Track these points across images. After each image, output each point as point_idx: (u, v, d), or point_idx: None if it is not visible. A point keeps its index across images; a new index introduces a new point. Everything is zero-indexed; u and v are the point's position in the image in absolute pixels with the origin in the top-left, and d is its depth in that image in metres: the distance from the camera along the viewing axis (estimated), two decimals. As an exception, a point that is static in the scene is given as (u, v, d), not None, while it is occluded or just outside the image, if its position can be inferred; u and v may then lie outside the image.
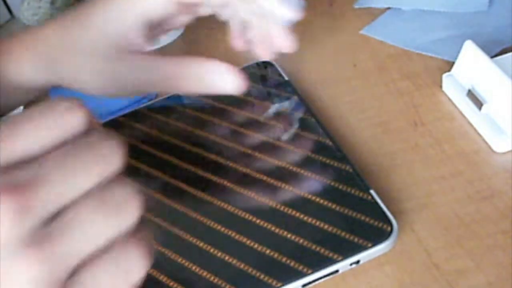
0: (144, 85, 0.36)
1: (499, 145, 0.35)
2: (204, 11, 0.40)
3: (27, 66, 0.39)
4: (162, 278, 0.31)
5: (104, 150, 0.21)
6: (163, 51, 0.53)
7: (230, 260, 0.31)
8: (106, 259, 0.20)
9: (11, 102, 0.42)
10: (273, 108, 0.40)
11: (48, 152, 0.19)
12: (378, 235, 0.30)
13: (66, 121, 0.20)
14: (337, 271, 0.30)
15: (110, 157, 0.21)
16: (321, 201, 0.32)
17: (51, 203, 0.18)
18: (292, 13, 0.36)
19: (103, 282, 0.19)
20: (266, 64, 0.44)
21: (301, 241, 0.31)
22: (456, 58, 0.39)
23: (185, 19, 0.41)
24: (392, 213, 0.31)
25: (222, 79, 0.34)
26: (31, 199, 0.17)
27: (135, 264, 0.20)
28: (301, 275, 0.29)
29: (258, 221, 0.32)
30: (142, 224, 0.21)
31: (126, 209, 0.21)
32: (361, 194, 0.32)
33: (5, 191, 0.17)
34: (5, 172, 0.18)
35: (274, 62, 0.44)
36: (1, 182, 0.17)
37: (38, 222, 0.18)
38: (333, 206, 0.32)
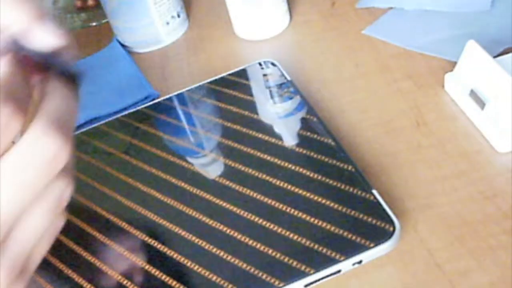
0: None
1: (501, 145, 0.35)
2: None
3: None
4: (165, 278, 0.31)
5: (46, 156, 0.22)
6: (167, 50, 0.53)
7: (233, 260, 0.31)
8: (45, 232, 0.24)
9: None
10: (275, 108, 0.40)
11: None
12: (380, 235, 0.30)
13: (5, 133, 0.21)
14: (339, 271, 0.30)
15: (53, 162, 0.22)
16: (324, 201, 0.32)
17: (3, 229, 0.21)
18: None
19: (42, 249, 0.24)
20: (268, 64, 0.44)
21: (303, 241, 0.31)
22: (458, 58, 0.39)
23: None
24: (395, 213, 0.31)
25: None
26: None
27: (60, 225, 0.24)
28: (304, 275, 0.29)
29: (260, 221, 0.32)
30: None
31: (62, 199, 0.23)
32: (363, 194, 0.32)
33: None
34: None
35: (276, 62, 0.44)
36: None
37: None
38: (336, 206, 0.32)
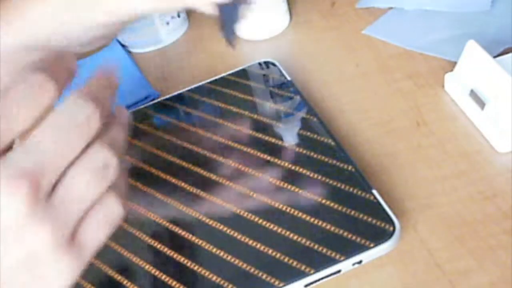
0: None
1: (501, 145, 0.35)
2: None
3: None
4: (165, 278, 0.31)
5: (80, 118, 0.25)
6: (167, 50, 0.53)
7: (233, 260, 0.31)
8: (96, 210, 0.25)
9: None
10: (276, 108, 0.40)
11: (34, 127, 0.24)
12: (380, 235, 0.30)
13: (40, 96, 0.24)
14: (339, 271, 0.30)
15: (87, 124, 0.25)
16: (324, 201, 0.32)
17: (49, 179, 0.23)
18: None
19: (95, 228, 0.25)
20: (268, 64, 0.44)
21: (303, 241, 0.31)
22: (458, 58, 0.39)
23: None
24: (395, 213, 0.31)
25: None
26: (36, 182, 0.23)
27: (116, 211, 0.26)
28: (304, 275, 0.29)
29: (260, 221, 0.32)
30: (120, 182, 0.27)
31: (107, 169, 0.25)
32: (363, 194, 0.32)
33: (16, 179, 0.22)
34: (9, 159, 0.23)
35: (276, 62, 0.44)
36: (10, 170, 0.22)
37: (43, 197, 0.23)
38: (336, 206, 0.32)
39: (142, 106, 0.45)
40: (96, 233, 0.26)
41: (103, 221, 0.26)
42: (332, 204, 0.32)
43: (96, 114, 0.25)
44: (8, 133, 0.24)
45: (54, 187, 0.24)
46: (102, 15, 0.36)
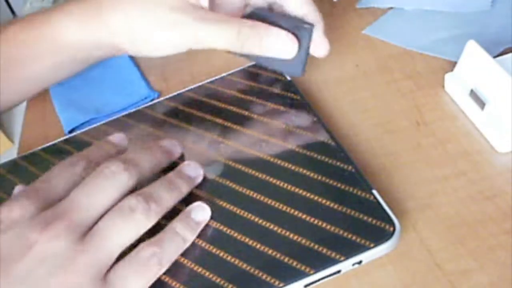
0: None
1: (501, 145, 0.35)
2: None
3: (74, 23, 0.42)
4: (164, 277, 0.31)
5: (114, 172, 0.31)
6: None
7: (232, 259, 0.31)
8: (129, 258, 0.30)
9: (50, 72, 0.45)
10: (276, 108, 0.40)
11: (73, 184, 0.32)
12: (380, 235, 0.30)
13: (76, 168, 0.33)
14: (339, 271, 0.30)
15: (117, 178, 0.31)
16: (323, 201, 0.32)
17: (83, 221, 0.30)
18: None
19: (128, 274, 0.29)
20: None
21: (303, 241, 0.31)
22: (458, 58, 0.39)
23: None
24: (395, 213, 0.31)
25: (278, 43, 0.39)
26: (70, 219, 0.29)
27: (148, 262, 0.30)
28: (303, 275, 0.29)
29: (260, 221, 0.32)
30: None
31: (136, 214, 0.30)
32: (363, 194, 0.32)
33: (57, 218, 0.29)
34: (52, 207, 0.30)
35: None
36: (53, 213, 0.29)
37: (79, 232, 0.29)
38: (335, 206, 0.32)
39: (142, 106, 0.45)
40: (125, 278, 0.29)
41: (135, 268, 0.30)
42: (332, 204, 0.32)
43: (126, 171, 0.32)
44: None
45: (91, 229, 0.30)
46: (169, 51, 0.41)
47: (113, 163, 0.32)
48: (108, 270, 0.29)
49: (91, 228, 0.30)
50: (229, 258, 0.31)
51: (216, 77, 0.45)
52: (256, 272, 0.30)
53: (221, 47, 0.39)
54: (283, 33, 0.38)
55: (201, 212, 0.33)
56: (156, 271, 0.30)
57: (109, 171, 0.31)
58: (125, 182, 0.31)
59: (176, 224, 0.32)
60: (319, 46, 0.41)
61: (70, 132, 0.47)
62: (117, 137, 0.37)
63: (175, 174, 0.34)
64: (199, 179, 0.35)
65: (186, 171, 0.35)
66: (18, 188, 0.35)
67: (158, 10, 0.39)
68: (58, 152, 0.43)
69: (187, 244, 0.32)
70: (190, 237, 0.32)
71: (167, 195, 0.32)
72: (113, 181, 0.31)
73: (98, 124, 0.44)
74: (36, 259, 0.28)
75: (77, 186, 0.31)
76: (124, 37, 0.40)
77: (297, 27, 0.39)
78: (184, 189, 0.34)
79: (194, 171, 0.35)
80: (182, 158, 0.38)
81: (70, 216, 0.29)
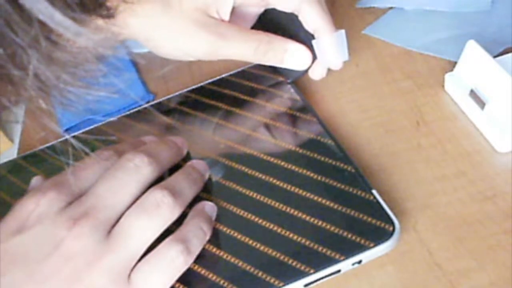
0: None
1: (501, 145, 0.35)
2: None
3: None
4: (164, 277, 0.31)
5: (138, 166, 0.31)
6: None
7: (232, 259, 0.31)
8: (154, 255, 0.29)
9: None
10: (275, 108, 0.40)
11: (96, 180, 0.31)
12: (380, 235, 0.30)
13: (106, 162, 0.32)
14: (339, 271, 0.30)
15: (140, 172, 0.31)
16: (323, 201, 0.32)
17: (107, 218, 0.29)
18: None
19: (153, 273, 0.29)
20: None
21: (303, 240, 0.31)
22: (458, 58, 0.39)
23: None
24: (394, 213, 0.31)
25: (294, 56, 0.39)
26: (95, 217, 0.29)
27: (176, 259, 0.29)
28: (303, 274, 0.29)
29: (260, 220, 0.32)
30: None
31: (162, 209, 0.30)
32: (363, 194, 0.32)
33: (83, 216, 0.29)
34: (78, 202, 0.30)
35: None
36: (79, 210, 0.29)
37: (103, 230, 0.29)
38: (335, 206, 0.32)
39: (142, 107, 0.45)
40: (150, 277, 0.29)
41: (160, 266, 0.29)
42: (331, 204, 0.32)
43: (146, 165, 0.31)
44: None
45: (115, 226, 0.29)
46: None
47: (137, 156, 0.31)
48: (132, 269, 0.29)
49: (114, 224, 0.29)
50: (229, 258, 0.31)
51: (216, 78, 0.45)
52: (256, 272, 0.30)
53: (238, 59, 0.40)
54: (301, 49, 0.39)
55: (211, 208, 0.33)
56: (182, 268, 0.30)
57: (133, 164, 0.31)
58: (148, 176, 0.31)
59: (197, 219, 0.32)
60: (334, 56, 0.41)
61: (66, 131, 0.46)
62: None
63: (190, 168, 0.34)
64: (207, 176, 0.35)
65: (198, 165, 0.35)
66: (36, 180, 0.35)
67: (181, 22, 0.39)
68: (58, 152, 0.43)
69: (207, 238, 0.32)
70: (209, 231, 0.32)
71: (188, 189, 0.32)
72: (137, 175, 0.31)
73: (98, 124, 0.44)
74: (62, 258, 0.27)
75: (101, 177, 0.31)
76: (141, 37, 0.41)
77: (312, 37, 0.39)
78: (201, 183, 0.34)
79: (203, 167, 0.35)
80: (187, 156, 0.38)
81: (95, 213, 0.29)
